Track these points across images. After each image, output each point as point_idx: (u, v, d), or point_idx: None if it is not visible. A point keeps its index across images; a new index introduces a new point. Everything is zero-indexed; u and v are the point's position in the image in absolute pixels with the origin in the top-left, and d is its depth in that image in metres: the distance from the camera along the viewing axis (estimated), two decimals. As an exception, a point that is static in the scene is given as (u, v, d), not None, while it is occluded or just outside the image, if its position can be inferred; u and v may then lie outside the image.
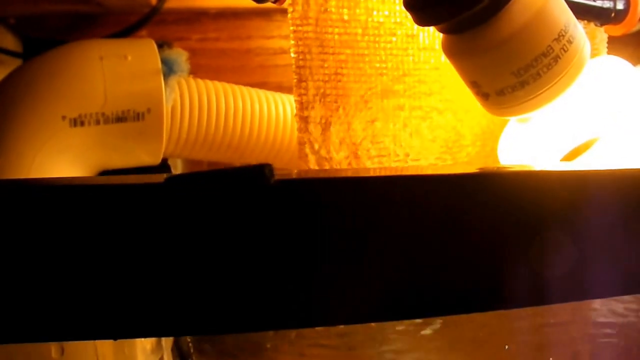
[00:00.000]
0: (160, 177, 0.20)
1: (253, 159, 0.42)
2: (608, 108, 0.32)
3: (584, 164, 0.32)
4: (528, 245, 0.31)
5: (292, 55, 0.34)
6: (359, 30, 0.35)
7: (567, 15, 0.28)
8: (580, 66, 0.29)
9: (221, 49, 0.61)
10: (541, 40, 0.28)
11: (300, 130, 0.34)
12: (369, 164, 0.35)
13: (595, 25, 0.43)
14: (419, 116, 0.37)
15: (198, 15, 0.60)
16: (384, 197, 0.24)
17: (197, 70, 0.60)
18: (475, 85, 0.30)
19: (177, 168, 0.62)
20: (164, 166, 0.41)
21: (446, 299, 0.30)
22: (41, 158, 0.36)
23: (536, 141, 0.32)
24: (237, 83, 0.48)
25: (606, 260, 0.32)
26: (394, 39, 0.36)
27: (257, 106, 0.41)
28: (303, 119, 0.34)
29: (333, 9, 0.34)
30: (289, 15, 0.34)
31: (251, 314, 0.20)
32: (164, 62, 0.37)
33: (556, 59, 0.28)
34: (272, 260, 0.21)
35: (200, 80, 0.40)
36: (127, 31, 0.51)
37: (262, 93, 0.43)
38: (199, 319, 0.20)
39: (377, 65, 0.36)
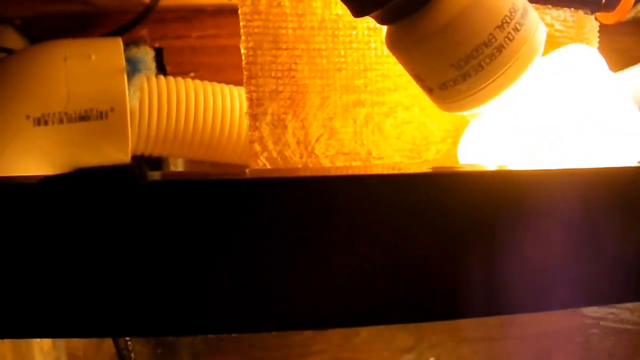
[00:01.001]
0: (37, 178, 0.20)
1: (226, 157, 0.42)
2: (573, 101, 0.30)
3: (541, 163, 0.30)
4: (482, 249, 0.29)
5: (242, 51, 0.33)
6: (315, 24, 0.34)
7: (513, 0, 0.26)
8: (530, 56, 0.26)
9: (221, 45, 0.61)
10: (481, 29, 0.26)
11: (250, 128, 0.33)
12: (326, 163, 0.34)
13: (585, 13, 0.40)
14: (382, 112, 0.35)
15: (196, 13, 0.60)
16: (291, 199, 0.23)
17: (199, 68, 0.60)
18: (419, 79, 0.28)
19: (178, 167, 0.62)
20: (138, 164, 0.41)
21: (395, 306, 0.29)
22: (7, 157, 0.36)
23: (496, 139, 0.30)
24: (238, 79, 0.47)
25: (565, 267, 0.30)
26: (354, 32, 0.34)
27: (228, 103, 0.41)
28: (253, 117, 0.33)
29: (287, 3, 0.33)
30: (239, 10, 0.33)
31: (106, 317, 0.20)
32: (129, 61, 0.37)
33: (500, 48, 0.26)
34: (144, 260, 0.20)
35: (169, 78, 0.40)
36: (122, 30, 0.52)
37: (235, 89, 0.42)
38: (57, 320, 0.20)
39: (336, 60, 0.34)
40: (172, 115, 0.39)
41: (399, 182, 0.28)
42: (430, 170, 0.29)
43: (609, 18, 0.43)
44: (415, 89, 0.35)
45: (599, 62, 0.31)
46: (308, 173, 0.29)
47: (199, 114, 0.39)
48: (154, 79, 0.39)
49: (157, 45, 0.56)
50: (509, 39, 0.26)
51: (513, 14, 0.26)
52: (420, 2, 0.25)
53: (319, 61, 0.34)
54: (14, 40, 0.54)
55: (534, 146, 0.31)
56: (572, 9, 0.40)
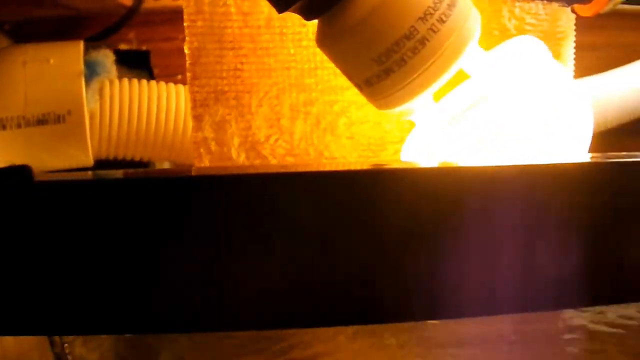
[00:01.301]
0: None
1: (190, 158, 0.41)
2: (517, 93, 0.28)
3: (484, 160, 0.28)
4: (424, 248, 0.28)
5: (186, 51, 0.32)
6: (262, 22, 0.33)
7: (440, -10, 0.25)
8: (458, 48, 0.25)
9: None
10: (401, 21, 0.24)
11: (194, 129, 0.32)
12: (279, 163, 0.33)
13: (560, 5, 0.38)
14: (334, 112, 0.34)
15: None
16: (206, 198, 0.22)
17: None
18: (348, 76, 0.27)
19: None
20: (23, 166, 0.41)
21: (335, 309, 0.28)
22: (-30, 161, 0.37)
23: (440, 136, 0.29)
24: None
25: (508, 270, 0.28)
26: (303, 29, 0.34)
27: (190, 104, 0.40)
28: (197, 118, 0.32)
29: (232, 2, 0.33)
30: (184, 10, 0.33)
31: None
32: (88, 64, 0.37)
33: (423, 41, 0.24)
34: (37, 261, 0.20)
35: (131, 80, 0.40)
36: (106, 33, 0.52)
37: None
38: None
39: (284, 58, 0.33)
40: (133, 118, 0.39)
41: (334, 179, 0.27)
42: (370, 167, 0.28)
43: (587, 10, 0.41)
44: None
45: (544, 53, 0.29)
46: (237, 171, 0.28)
47: (161, 116, 0.39)
48: (114, 82, 0.39)
49: (144, 47, 0.56)
50: (433, 31, 0.24)
51: (438, 4, 0.25)
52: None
53: (266, 60, 0.33)
54: (3, 44, 0.55)
55: (479, 141, 0.29)
56: (545, 1, 0.38)
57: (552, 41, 0.40)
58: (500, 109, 0.29)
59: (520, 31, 0.38)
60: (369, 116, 0.35)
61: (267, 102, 0.33)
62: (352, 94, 0.34)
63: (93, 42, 0.39)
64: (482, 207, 0.27)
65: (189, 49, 0.32)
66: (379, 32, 0.24)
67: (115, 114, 0.38)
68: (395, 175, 0.28)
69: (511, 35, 0.39)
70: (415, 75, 0.25)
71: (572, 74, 0.42)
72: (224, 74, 0.33)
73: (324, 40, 0.26)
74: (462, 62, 0.26)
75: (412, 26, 0.24)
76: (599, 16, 0.73)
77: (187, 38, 0.33)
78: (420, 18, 0.24)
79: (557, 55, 0.40)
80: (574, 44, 0.42)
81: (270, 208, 0.25)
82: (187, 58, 0.32)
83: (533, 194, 0.27)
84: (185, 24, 0.33)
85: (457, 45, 0.25)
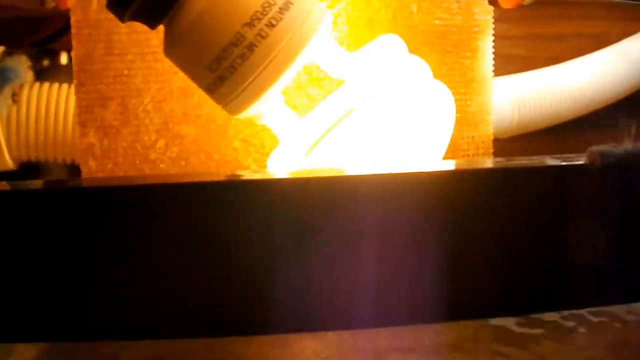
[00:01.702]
0: None
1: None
2: (383, 98, 0.27)
3: (340, 170, 0.27)
4: (279, 259, 0.28)
5: (73, 59, 0.33)
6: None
7: (268, -5, 0.24)
8: (293, 52, 0.24)
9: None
10: (226, 27, 0.24)
11: (80, 135, 0.33)
12: (166, 169, 0.34)
13: (467, -3, 0.37)
14: (224, 115, 0.34)
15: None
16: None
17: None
18: (195, 83, 0.27)
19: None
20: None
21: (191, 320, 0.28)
22: None
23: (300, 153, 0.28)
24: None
25: (364, 281, 0.28)
26: (191, 33, 0.34)
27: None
28: (82, 124, 0.33)
29: (118, 8, 0.33)
30: (71, 18, 0.33)
31: None
32: (1, 70, 0.38)
33: (251, 47, 0.24)
34: None
35: (45, 84, 0.41)
36: (53, 37, 0.53)
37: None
38: None
39: (171, 63, 0.33)
40: (50, 121, 0.40)
41: (187, 191, 0.27)
42: (224, 179, 0.28)
43: (507, 2, 0.40)
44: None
45: (404, 51, 0.28)
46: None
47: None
48: (30, 87, 0.40)
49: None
50: (262, 37, 0.24)
51: (267, 9, 0.24)
52: (165, 4, 0.24)
53: (154, 65, 0.33)
54: None
55: (351, 147, 0.29)
56: (454, -6, 0.37)
57: (467, 35, 0.39)
58: (369, 112, 0.28)
59: (430, 26, 0.37)
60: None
61: (154, 106, 0.33)
62: (243, 96, 0.34)
63: (10, 48, 0.40)
64: (334, 216, 0.27)
65: (76, 56, 0.33)
66: (206, 39, 0.24)
67: (32, 118, 0.39)
68: (248, 186, 0.28)
69: (420, 31, 0.38)
70: (247, 82, 0.25)
71: (491, 67, 0.41)
72: (110, 80, 0.33)
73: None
74: (300, 64, 0.25)
75: (238, 32, 0.24)
76: (566, 7, 0.70)
77: (74, 45, 0.33)
78: (246, 24, 0.24)
79: (473, 48, 0.39)
80: (492, 37, 0.40)
81: (126, 219, 0.26)
82: (73, 65, 0.33)
83: (387, 204, 0.26)
84: (72, 32, 0.33)
85: (292, 49, 0.25)
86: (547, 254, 0.22)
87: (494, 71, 0.56)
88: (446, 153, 0.39)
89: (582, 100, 0.55)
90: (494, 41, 0.71)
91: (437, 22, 0.37)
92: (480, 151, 0.40)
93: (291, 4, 0.25)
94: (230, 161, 0.34)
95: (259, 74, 0.25)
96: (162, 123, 0.34)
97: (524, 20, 0.66)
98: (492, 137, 0.40)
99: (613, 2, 0.67)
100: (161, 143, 0.34)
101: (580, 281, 0.22)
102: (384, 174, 0.26)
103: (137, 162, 0.33)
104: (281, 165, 0.28)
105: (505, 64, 0.64)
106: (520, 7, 0.40)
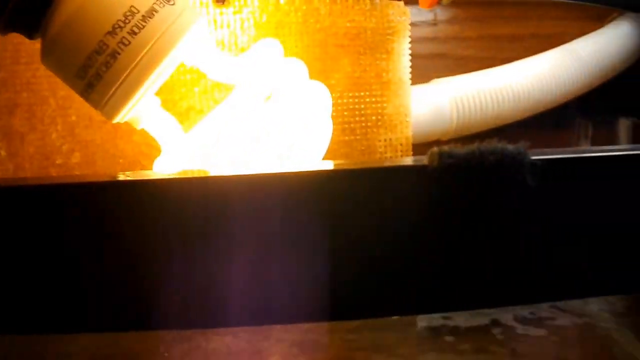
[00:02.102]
0: None
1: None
2: (266, 101, 0.28)
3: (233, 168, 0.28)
4: (157, 259, 0.29)
5: (-20, 69, 0.34)
6: (54, 36, 0.34)
7: (134, 2, 0.25)
8: (156, 58, 0.25)
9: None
10: (90, 36, 0.25)
11: (-14, 143, 0.34)
12: (75, 171, 0.34)
13: (392, -1, 0.37)
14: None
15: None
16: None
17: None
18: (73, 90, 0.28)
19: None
20: None
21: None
22: None
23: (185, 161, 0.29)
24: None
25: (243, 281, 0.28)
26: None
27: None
28: (-9, 132, 0.34)
29: (23, 17, 0.34)
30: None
31: None
32: None
33: (114, 55, 0.25)
34: None
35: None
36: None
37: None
38: None
39: (77, 70, 0.34)
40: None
41: (82, 190, 0.28)
42: (110, 179, 0.29)
43: (425, 2, 0.40)
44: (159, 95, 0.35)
45: (279, 53, 0.29)
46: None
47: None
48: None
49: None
50: (124, 44, 0.25)
51: (129, 17, 0.25)
52: (32, 16, 0.25)
53: (59, 72, 0.34)
54: None
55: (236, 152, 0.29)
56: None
57: (382, 37, 0.39)
58: (253, 116, 0.29)
59: (342, 28, 0.38)
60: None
61: (59, 112, 0.34)
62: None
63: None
64: (207, 216, 0.27)
65: (-17, 65, 0.34)
66: (72, 48, 0.25)
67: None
68: (127, 186, 0.28)
69: (332, 34, 0.38)
70: (114, 88, 0.25)
71: (408, 67, 0.41)
72: (17, 88, 0.34)
73: (41, 58, 0.27)
74: (169, 68, 0.26)
75: (101, 40, 0.25)
76: (522, 7, 0.70)
77: (-19, 56, 0.34)
78: (108, 32, 0.25)
79: (389, 50, 0.39)
80: (409, 38, 0.40)
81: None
82: (-19, 75, 0.34)
83: (255, 204, 0.27)
84: (-21, 43, 0.34)
85: (156, 54, 0.25)
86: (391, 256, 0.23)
87: (452, 73, 0.56)
88: (363, 155, 0.40)
89: (527, 101, 0.54)
90: (447, 43, 0.71)
91: (349, 24, 0.37)
92: (399, 153, 0.40)
93: (155, 11, 0.25)
94: (136, 165, 0.35)
95: (124, 80, 0.25)
96: (68, 129, 0.34)
97: (479, 21, 0.66)
98: (411, 140, 0.40)
99: (570, 2, 0.67)
100: (67, 148, 0.34)
101: (417, 285, 0.22)
102: (254, 175, 0.26)
103: (44, 167, 0.34)
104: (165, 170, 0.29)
105: (460, 66, 0.64)
106: (439, 5, 0.40)
